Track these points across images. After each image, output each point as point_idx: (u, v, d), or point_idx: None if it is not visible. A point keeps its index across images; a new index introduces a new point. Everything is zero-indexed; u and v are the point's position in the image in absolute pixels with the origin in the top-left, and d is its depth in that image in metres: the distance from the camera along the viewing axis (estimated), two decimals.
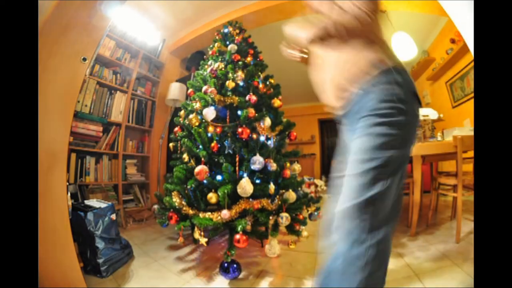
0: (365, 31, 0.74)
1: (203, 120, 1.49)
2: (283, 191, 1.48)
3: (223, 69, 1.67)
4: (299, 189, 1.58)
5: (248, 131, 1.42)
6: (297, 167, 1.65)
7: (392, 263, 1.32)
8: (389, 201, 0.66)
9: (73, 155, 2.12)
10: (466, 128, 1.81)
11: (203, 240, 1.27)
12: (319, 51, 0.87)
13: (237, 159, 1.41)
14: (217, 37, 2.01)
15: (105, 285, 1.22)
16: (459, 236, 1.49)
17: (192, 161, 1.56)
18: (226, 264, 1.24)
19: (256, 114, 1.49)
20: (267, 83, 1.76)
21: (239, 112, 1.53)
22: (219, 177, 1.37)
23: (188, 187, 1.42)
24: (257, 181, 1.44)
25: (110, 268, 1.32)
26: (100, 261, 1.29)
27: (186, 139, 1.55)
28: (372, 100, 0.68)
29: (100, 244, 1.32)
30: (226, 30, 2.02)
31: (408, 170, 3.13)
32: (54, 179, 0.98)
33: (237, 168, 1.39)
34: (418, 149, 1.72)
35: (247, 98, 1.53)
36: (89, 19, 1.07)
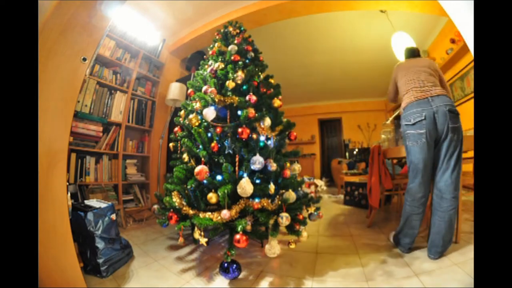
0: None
1: (203, 120, 1.49)
2: (283, 191, 1.48)
3: (223, 69, 1.67)
4: (299, 189, 1.58)
5: (248, 131, 1.42)
6: (297, 167, 1.65)
7: (392, 263, 1.32)
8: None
9: (73, 155, 2.12)
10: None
11: (203, 240, 1.27)
12: None
13: (237, 159, 1.41)
14: (217, 37, 2.01)
15: (105, 285, 1.22)
16: (459, 236, 1.49)
17: (192, 161, 1.56)
18: (226, 264, 1.24)
19: (256, 114, 1.49)
20: (267, 83, 1.76)
21: (239, 112, 1.53)
22: (219, 177, 1.37)
23: (188, 187, 1.42)
24: (257, 181, 1.44)
25: (110, 268, 1.32)
26: (100, 261, 1.29)
27: (186, 139, 1.55)
28: None
29: (100, 244, 1.32)
30: (226, 30, 2.02)
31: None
32: (54, 179, 0.97)
33: (237, 168, 1.39)
34: None
35: (247, 98, 1.53)
36: (89, 19, 1.07)
